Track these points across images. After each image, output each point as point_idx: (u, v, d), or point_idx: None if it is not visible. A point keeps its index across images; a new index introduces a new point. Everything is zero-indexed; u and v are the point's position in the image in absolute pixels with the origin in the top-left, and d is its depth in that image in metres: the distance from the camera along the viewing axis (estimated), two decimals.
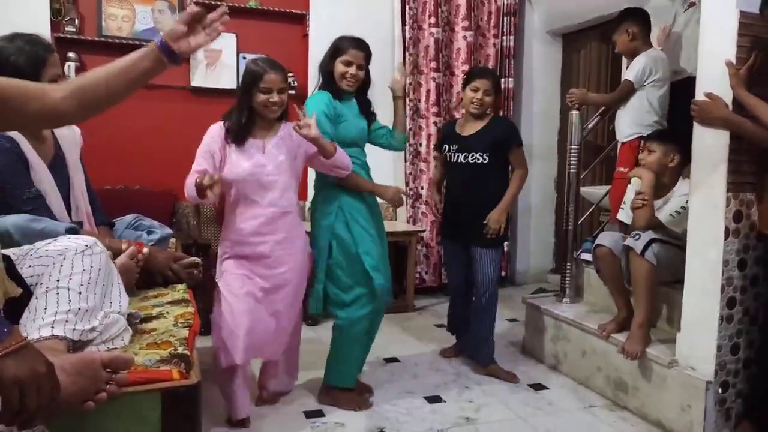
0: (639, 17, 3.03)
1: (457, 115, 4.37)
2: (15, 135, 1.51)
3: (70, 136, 1.77)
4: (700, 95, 2.19)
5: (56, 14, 3.53)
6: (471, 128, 2.82)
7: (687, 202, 2.42)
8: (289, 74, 3.99)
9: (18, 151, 1.49)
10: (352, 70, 2.40)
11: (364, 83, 2.51)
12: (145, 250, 1.69)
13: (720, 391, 2.21)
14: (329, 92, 2.43)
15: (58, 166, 1.66)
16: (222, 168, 2.22)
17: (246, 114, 2.23)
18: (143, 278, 1.74)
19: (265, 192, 2.23)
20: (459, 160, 2.80)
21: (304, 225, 2.47)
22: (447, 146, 2.88)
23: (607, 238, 2.65)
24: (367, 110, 2.58)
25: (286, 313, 2.34)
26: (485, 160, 2.75)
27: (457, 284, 3.00)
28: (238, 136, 2.22)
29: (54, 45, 3.34)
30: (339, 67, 2.41)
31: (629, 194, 2.75)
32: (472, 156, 2.76)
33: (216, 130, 2.26)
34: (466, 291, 2.96)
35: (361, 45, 2.43)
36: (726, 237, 2.14)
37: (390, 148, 2.74)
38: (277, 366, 2.50)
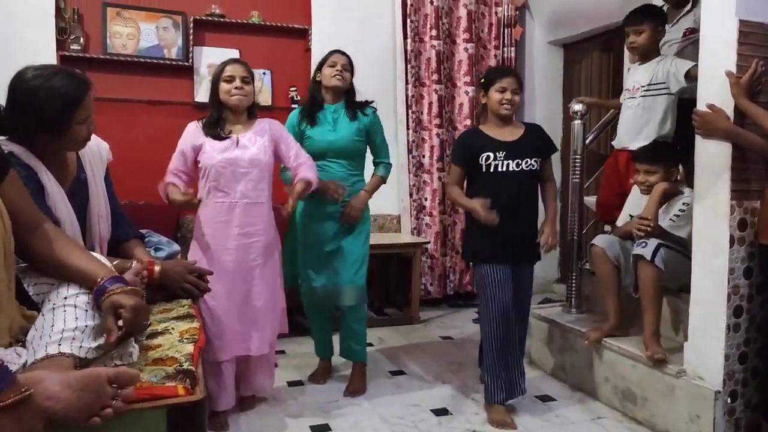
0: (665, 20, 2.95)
1: (460, 127, 4.40)
2: (33, 161, 1.48)
3: (95, 155, 1.71)
4: (701, 105, 2.19)
5: (62, 32, 3.57)
6: (512, 133, 2.54)
7: (684, 204, 2.44)
8: (292, 88, 4.04)
9: (36, 179, 1.47)
10: (338, 67, 2.66)
11: (351, 90, 2.74)
12: (157, 268, 1.67)
13: (729, 400, 2.20)
14: (304, 107, 2.75)
15: (77, 190, 1.62)
16: (192, 165, 2.38)
17: (217, 110, 2.38)
18: (162, 295, 1.73)
19: (237, 183, 2.33)
20: (510, 168, 2.48)
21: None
22: (490, 154, 2.49)
23: (602, 239, 2.69)
24: (352, 112, 2.72)
25: (260, 302, 2.41)
26: (536, 166, 2.52)
27: (508, 315, 2.48)
28: (212, 128, 2.36)
29: (59, 63, 3.42)
30: (326, 71, 2.68)
31: (632, 203, 2.74)
32: (526, 162, 2.50)
33: (192, 127, 2.41)
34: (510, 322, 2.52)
35: (342, 52, 2.73)
36: (731, 245, 2.14)
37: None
38: (252, 367, 2.52)
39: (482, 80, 2.64)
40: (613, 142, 3.06)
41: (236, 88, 2.32)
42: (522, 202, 2.53)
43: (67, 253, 1.29)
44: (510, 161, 2.49)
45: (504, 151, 2.49)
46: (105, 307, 1.20)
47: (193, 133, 2.37)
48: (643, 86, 2.84)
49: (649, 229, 2.43)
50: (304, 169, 2.42)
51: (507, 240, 2.49)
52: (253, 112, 2.45)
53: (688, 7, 3.07)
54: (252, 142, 2.36)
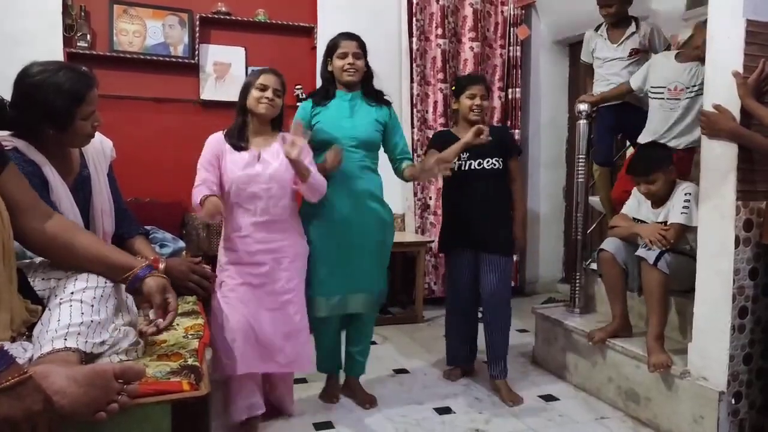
0: None
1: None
2: (37, 157, 1.49)
3: (98, 152, 1.73)
4: (708, 106, 2.19)
5: (69, 30, 3.59)
6: None
7: (686, 194, 2.45)
8: (298, 86, 4.04)
9: (39, 174, 1.48)
10: (349, 59, 2.46)
11: (367, 76, 2.55)
12: (162, 265, 1.68)
13: (733, 401, 2.19)
14: (314, 96, 2.55)
15: (80, 185, 1.63)
16: (218, 178, 2.26)
17: (242, 118, 2.31)
18: None
19: (258, 200, 2.25)
20: (473, 167, 2.70)
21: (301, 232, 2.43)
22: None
23: (611, 244, 2.65)
24: (378, 99, 2.55)
25: (285, 317, 2.30)
26: (500, 166, 2.71)
27: (466, 299, 2.84)
28: (234, 139, 2.28)
29: (66, 60, 3.44)
30: (336, 63, 2.49)
31: (631, 206, 2.72)
32: (488, 162, 2.69)
33: (215, 139, 2.31)
34: (472, 308, 2.88)
35: (351, 36, 2.50)
36: (736, 246, 2.13)
37: (395, 170, 2.66)
38: (279, 383, 2.46)
39: (453, 88, 2.85)
40: (639, 139, 2.98)
41: (267, 98, 2.24)
42: (488, 198, 2.72)
43: (97, 241, 1.37)
44: (473, 161, 2.70)
45: (467, 152, 2.67)
46: (156, 284, 1.32)
47: (214, 144, 2.28)
48: (688, 88, 2.79)
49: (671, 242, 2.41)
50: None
51: (471, 232, 2.72)
52: (276, 125, 2.36)
53: (633, 28, 3.20)
54: (274, 157, 2.27)
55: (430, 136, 4.29)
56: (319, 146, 2.42)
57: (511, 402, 2.65)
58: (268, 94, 2.25)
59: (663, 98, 2.86)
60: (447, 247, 2.89)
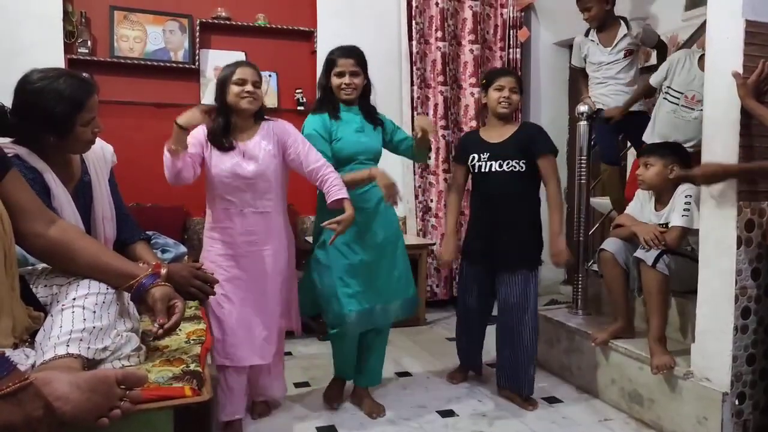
0: None
1: (465, 129, 4.40)
2: (38, 164, 1.49)
3: (99, 157, 1.72)
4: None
5: (69, 36, 3.60)
6: (500, 134, 2.59)
7: (687, 196, 2.44)
8: (298, 90, 4.05)
9: (41, 181, 1.48)
10: (346, 79, 2.42)
11: (365, 89, 2.52)
12: (164, 271, 1.68)
13: (737, 402, 2.19)
14: (327, 111, 2.46)
15: (81, 192, 1.63)
16: (199, 157, 2.26)
17: (223, 115, 2.27)
18: None
19: (242, 193, 2.26)
20: (493, 169, 2.55)
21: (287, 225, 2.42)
22: (475, 156, 2.62)
23: (611, 244, 2.64)
24: (372, 117, 2.53)
25: (267, 307, 2.33)
26: (522, 168, 2.53)
27: (475, 312, 2.78)
28: (217, 138, 2.26)
29: (67, 66, 3.45)
30: (334, 81, 2.45)
31: (634, 207, 2.72)
32: (508, 163, 2.53)
33: (198, 130, 2.28)
34: (481, 316, 2.81)
35: (348, 53, 2.44)
36: (738, 246, 2.13)
37: (414, 160, 2.69)
38: (263, 372, 2.47)
39: (483, 81, 2.71)
40: (644, 137, 2.95)
41: (247, 91, 2.21)
42: (508, 204, 2.57)
43: (99, 248, 1.37)
44: (493, 162, 2.56)
45: (488, 152, 2.58)
46: (160, 294, 1.32)
47: (200, 135, 2.28)
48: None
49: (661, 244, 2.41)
50: (335, 188, 2.22)
51: (487, 243, 2.61)
52: (260, 114, 2.34)
53: (624, 30, 3.19)
54: (257, 151, 2.26)
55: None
56: (343, 162, 2.41)
57: (531, 407, 2.62)
58: (248, 87, 2.22)
59: (678, 104, 2.82)
60: (466, 256, 2.79)
